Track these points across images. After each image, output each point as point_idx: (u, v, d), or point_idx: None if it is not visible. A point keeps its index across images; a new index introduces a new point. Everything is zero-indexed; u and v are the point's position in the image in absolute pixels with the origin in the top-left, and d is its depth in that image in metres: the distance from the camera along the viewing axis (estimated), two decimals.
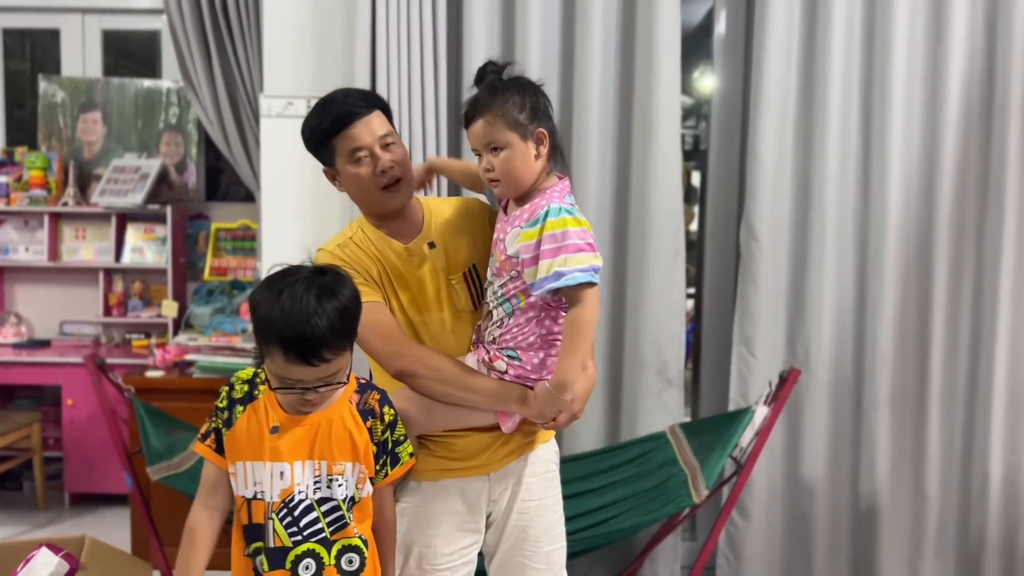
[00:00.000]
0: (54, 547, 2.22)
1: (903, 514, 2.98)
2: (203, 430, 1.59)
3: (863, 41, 2.87)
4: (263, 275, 3.00)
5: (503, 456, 1.80)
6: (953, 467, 2.98)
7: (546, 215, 1.58)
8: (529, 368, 1.68)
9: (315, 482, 1.54)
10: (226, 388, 1.58)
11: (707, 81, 4.40)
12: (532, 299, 1.64)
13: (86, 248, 4.10)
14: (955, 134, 2.85)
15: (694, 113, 5.32)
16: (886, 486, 2.94)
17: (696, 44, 4.03)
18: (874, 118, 2.88)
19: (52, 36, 4.24)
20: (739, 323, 2.95)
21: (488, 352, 1.71)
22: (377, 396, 1.60)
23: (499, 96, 1.60)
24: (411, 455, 1.64)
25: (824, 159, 2.87)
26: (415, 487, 1.77)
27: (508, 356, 1.69)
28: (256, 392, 1.56)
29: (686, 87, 5.08)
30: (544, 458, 1.87)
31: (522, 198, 1.66)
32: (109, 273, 4.09)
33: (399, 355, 1.68)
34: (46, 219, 4.01)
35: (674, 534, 2.86)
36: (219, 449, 1.57)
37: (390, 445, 1.60)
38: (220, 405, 1.57)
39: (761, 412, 2.51)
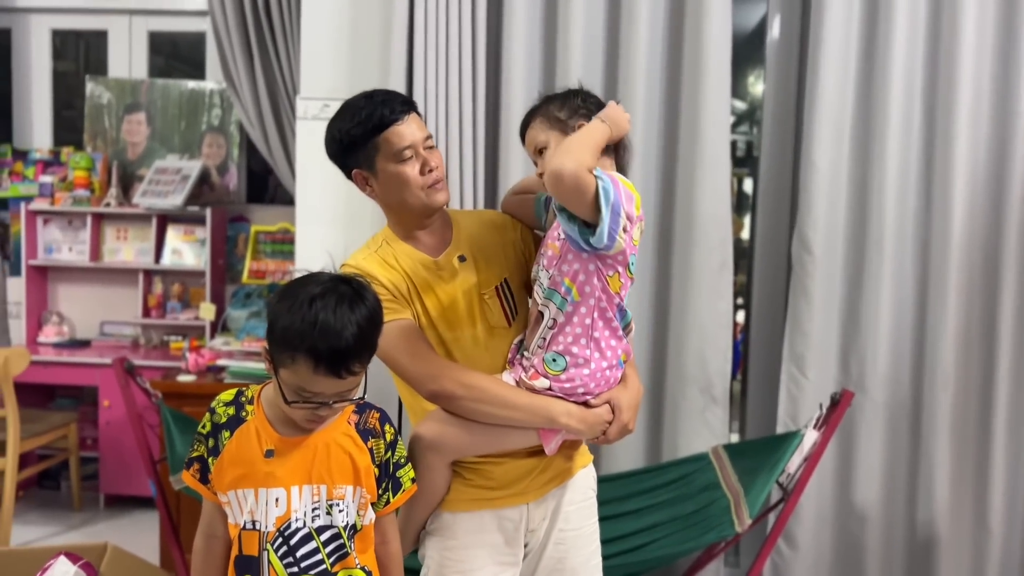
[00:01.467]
0: (73, 556, 2.18)
1: (963, 547, 2.79)
2: (187, 458, 1.51)
3: (927, 42, 2.71)
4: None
5: (543, 483, 1.70)
6: (1018, 498, 2.79)
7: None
8: (579, 384, 1.59)
9: (314, 508, 1.45)
10: (207, 415, 1.50)
11: (762, 86, 4.26)
12: (587, 287, 1.55)
13: (127, 249, 4.10)
14: None
15: (748, 118, 5.17)
16: (945, 517, 2.76)
17: (751, 48, 3.90)
18: (938, 123, 2.71)
19: (100, 37, 4.27)
20: (790, 340, 2.80)
21: (527, 370, 1.61)
22: (377, 415, 1.51)
23: (545, 103, 1.66)
24: (413, 480, 1.54)
25: (883, 167, 2.71)
26: (449, 520, 1.67)
27: (554, 366, 1.58)
28: (243, 414, 1.47)
29: (740, 91, 4.95)
30: (583, 484, 1.78)
31: None
32: (149, 274, 4.09)
33: (433, 376, 1.59)
34: (89, 219, 4.03)
35: (716, 560, 2.72)
36: (204, 479, 1.48)
37: (391, 468, 1.51)
38: (203, 432, 1.49)
39: (811, 437, 2.36)
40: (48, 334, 4.07)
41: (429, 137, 1.66)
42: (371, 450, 1.48)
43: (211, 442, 1.47)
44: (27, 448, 3.53)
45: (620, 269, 1.57)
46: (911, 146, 2.73)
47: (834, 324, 2.79)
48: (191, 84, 4.13)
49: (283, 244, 4.00)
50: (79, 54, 4.46)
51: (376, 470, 1.48)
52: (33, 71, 4.27)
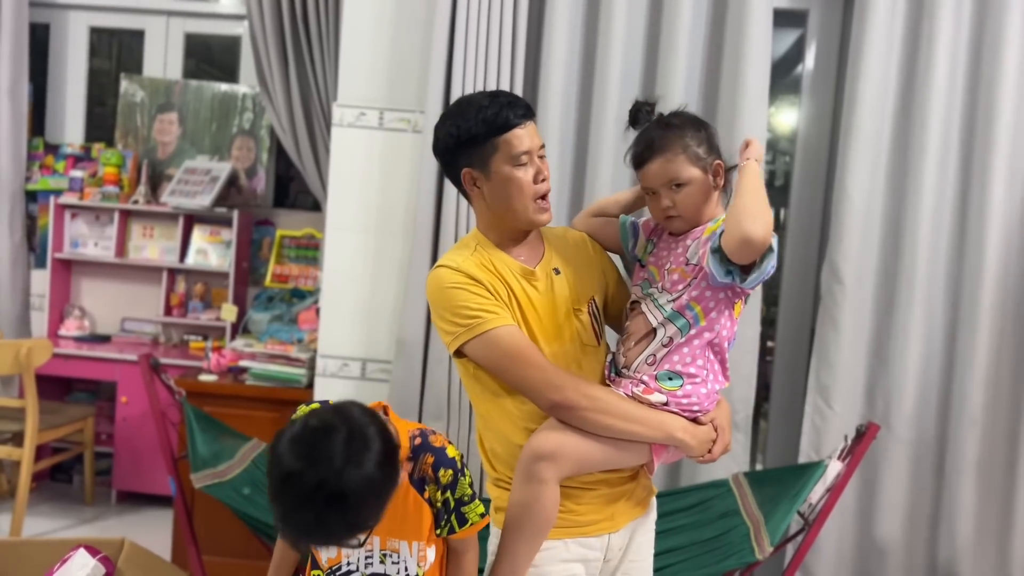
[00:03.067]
0: (92, 549, 2.18)
1: None
2: None
3: (967, 77, 2.70)
4: (323, 291, 2.90)
5: (628, 510, 1.68)
6: None
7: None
8: (694, 399, 1.59)
9: (366, 557, 1.42)
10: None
11: (784, 116, 4.26)
12: (713, 313, 1.56)
13: (152, 247, 4.13)
14: None
15: (771, 148, 5.17)
16: (967, 558, 2.72)
17: (778, 77, 3.89)
18: (975, 159, 2.70)
19: (137, 37, 4.31)
20: (816, 370, 2.78)
21: (639, 384, 1.60)
22: (431, 459, 1.43)
23: (676, 132, 1.61)
24: (482, 515, 1.46)
25: (918, 202, 2.69)
26: None
27: (668, 383, 1.58)
28: None
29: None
30: (653, 516, 1.78)
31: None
32: (173, 273, 4.11)
33: (556, 386, 1.52)
34: (116, 215, 4.05)
35: None
36: None
37: (452, 504, 1.43)
38: None
39: (834, 468, 2.34)
40: (69, 328, 4.09)
41: (543, 147, 1.63)
42: (428, 500, 1.42)
43: None
44: (43, 440, 3.54)
45: (744, 299, 1.62)
46: (947, 182, 2.72)
47: (861, 357, 2.77)
48: (224, 87, 4.16)
49: (307, 249, 4.02)
50: (113, 52, 4.50)
51: (433, 511, 1.43)
52: (69, 67, 4.32)
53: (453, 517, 1.43)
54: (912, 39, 2.71)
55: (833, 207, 2.76)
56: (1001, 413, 2.72)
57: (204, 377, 3.25)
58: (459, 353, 1.59)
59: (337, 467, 1.22)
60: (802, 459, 2.76)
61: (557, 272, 1.66)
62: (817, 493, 2.33)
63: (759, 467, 3.17)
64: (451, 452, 1.45)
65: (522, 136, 1.57)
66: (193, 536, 2.60)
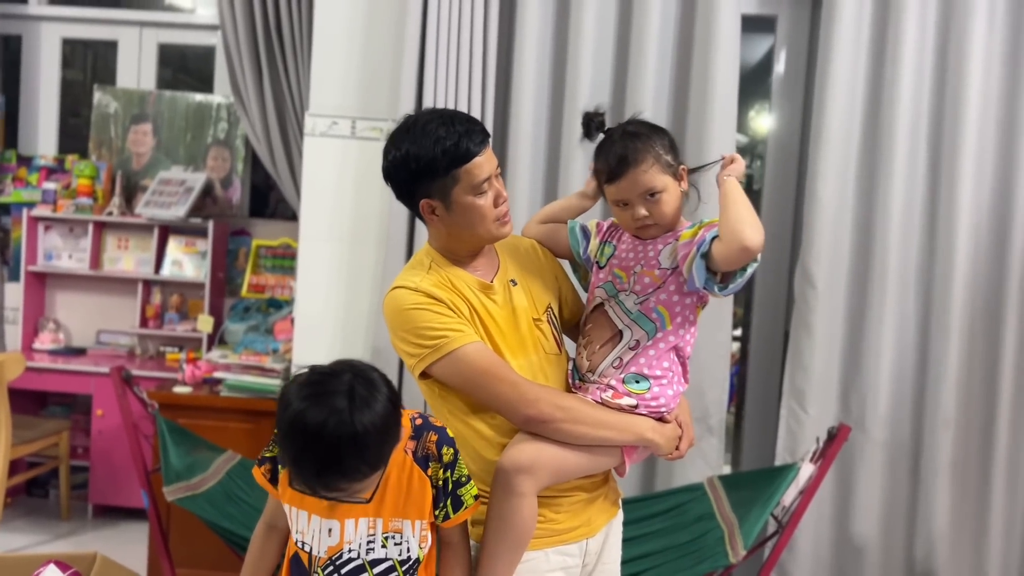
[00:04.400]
0: (62, 564, 2.16)
1: None
2: (260, 455, 1.48)
3: (933, 83, 2.74)
4: (298, 301, 2.90)
5: (603, 512, 1.69)
6: (1015, 542, 2.77)
7: (701, 220, 1.60)
8: (661, 400, 1.61)
9: (369, 541, 1.41)
10: None
11: (763, 120, 4.29)
12: (678, 318, 1.59)
13: (127, 258, 4.10)
14: None
15: (749, 152, 5.21)
16: (943, 558, 2.74)
17: (754, 83, 3.93)
18: (943, 163, 2.73)
19: (110, 47, 4.29)
20: (790, 374, 2.79)
21: (607, 389, 1.61)
22: (435, 437, 1.44)
23: (645, 142, 1.60)
24: (475, 498, 1.47)
25: (887, 205, 2.72)
26: None
27: (636, 386, 1.60)
28: None
29: (742, 126, 4.99)
30: (621, 519, 1.78)
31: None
32: (148, 284, 4.09)
33: (529, 400, 1.51)
34: (90, 227, 4.03)
35: None
36: (273, 479, 1.46)
37: (450, 486, 1.44)
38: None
39: (807, 470, 2.35)
40: (44, 341, 4.06)
41: (498, 166, 1.61)
42: (431, 477, 1.43)
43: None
44: (18, 455, 3.50)
45: (703, 305, 1.67)
46: (916, 186, 2.75)
47: (835, 360, 2.79)
48: (198, 97, 4.15)
49: (284, 259, 4.01)
50: (87, 63, 4.48)
51: (432, 491, 1.43)
52: (42, 78, 4.29)
53: (449, 501, 1.44)
54: (879, 44, 2.74)
55: (804, 212, 2.78)
56: (974, 413, 2.75)
57: (179, 389, 3.23)
58: (424, 374, 1.57)
59: (347, 405, 1.26)
60: (778, 462, 2.78)
61: (514, 283, 1.65)
62: (790, 495, 2.35)
63: (729, 468, 3.18)
64: (451, 432, 1.48)
65: (482, 164, 1.54)
66: (166, 549, 2.58)
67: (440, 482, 1.43)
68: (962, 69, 2.68)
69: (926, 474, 2.76)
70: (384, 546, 1.41)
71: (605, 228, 1.75)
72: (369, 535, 1.40)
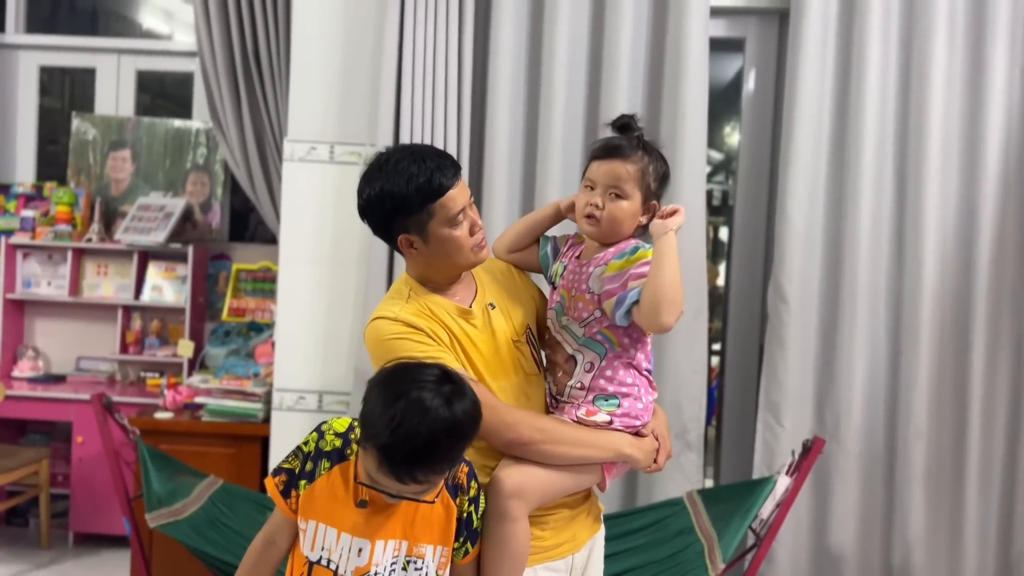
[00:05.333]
0: None
1: None
2: (277, 465, 1.47)
3: (897, 102, 2.81)
4: (278, 325, 2.93)
5: (587, 528, 1.72)
6: (990, 548, 2.83)
7: (635, 249, 1.60)
8: (633, 414, 1.65)
9: (392, 562, 1.42)
10: (315, 435, 1.45)
11: (737, 137, 4.38)
12: (625, 339, 1.63)
13: (107, 284, 4.10)
14: (993, 199, 2.77)
15: (723, 168, 5.29)
16: (919, 565, 2.78)
17: (728, 100, 4.01)
18: (909, 179, 2.80)
19: (88, 74, 4.30)
20: (766, 388, 2.84)
21: (581, 407, 1.64)
22: (466, 469, 1.48)
23: (646, 155, 1.64)
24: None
25: (856, 220, 2.79)
26: None
27: (606, 404, 1.63)
28: (348, 452, 1.43)
29: (717, 143, 5.07)
30: (603, 534, 1.81)
31: (598, 246, 1.68)
32: (128, 310, 4.08)
33: (509, 424, 1.55)
34: (69, 254, 4.02)
35: None
36: (287, 492, 1.45)
37: (474, 522, 1.48)
38: (304, 449, 1.45)
39: (783, 482, 2.39)
40: (23, 368, 4.04)
41: (471, 195, 1.64)
42: (457, 506, 1.46)
43: (309, 465, 1.43)
44: None
45: None
46: (883, 202, 2.81)
47: (809, 374, 2.84)
48: (177, 123, 4.17)
49: (264, 282, 4.02)
50: (65, 90, 4.49)
51: (456, 523, 1.46)
52: (19, 106, 4.29)
53: (469, 539, 1.48)
54: (844, 65, 2.81)
55: (776, 228, 2.84)
56: (945, 423, 2.80)
57: (160, 415, 3.23)
58: None
59: (449, 393, 1.32)
60: (755, 475, 2.82)
61: (492, 307, 1.68)
62: (767, 508, 2.38)
63: (710, 483, 3.22)
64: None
65: (455, 197, 1.57)
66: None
67: (464, 515, 1.47)
68: (925, 88, 2.75)
69: (900, 484, 2.81)
70: (405, 569, 1.43)
71: (568, 247, 1.77)
72: (394, 557, 1.42)
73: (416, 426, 1.28)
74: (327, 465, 1.43)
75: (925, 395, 2.78)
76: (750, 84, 3.11)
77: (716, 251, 4.91)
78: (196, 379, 3.37)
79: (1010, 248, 2.78)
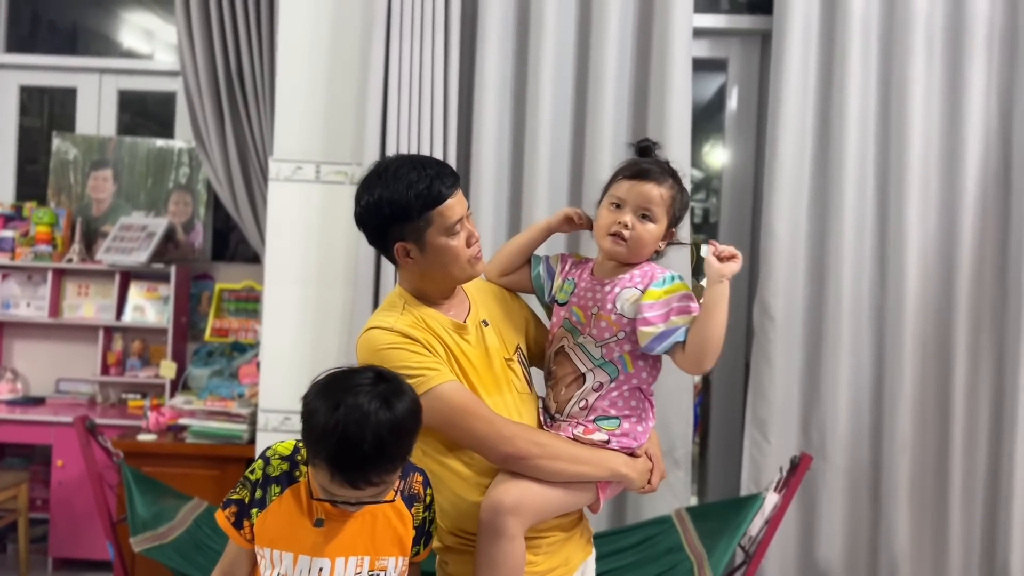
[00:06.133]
0: None
1: None
2: (226, 498, 1.46)
3: (878, 120, 2.85)
4: (263, 345, 2.91)
5: (579, 551, 1.71)
6: (974, 558, 2.85)
7: (672, 278, 1.63)
8: (632, 436, 1.66)
9: None
10: (261, 462, 1.45)
11: (717, 155, 4.41)
12: (640, 362, 1.64)
13: (88, 305, 4.05)
14: (972, 215, 2.81)
15: (704, 187, 5.33)
16: (906, 574, 2.80)
17: (707, 119, 4.05)
18: (890, 196, 2.83)
19: (69, 94, 4.28)
20: (752, 405, 2.86)
21: (579, 426, 1.64)
22: (420, 478, 1.49)
23: (674, 181, 1.66)
24: (435, 528, 1.55)
25: (839, 237, 2.82)
26: None
27: (606, 423, 1.64)
28: (297, 473, 1.43)
29: (696, 160, 5.11)
30: (594, 557, 1.81)
31: (614, 266, 1.69)
32: (109, 331, 4.04)
33: (507, 437, 1.54)
34: (49, 275, 3.98)
35: None
36: (239, 523, 1.44)
37: (428, 525, 1.49)
38: (251, 477, 1.44)
39: (771, 499, 2.40)
40: (1, 391, 3.98)
41: (469, 207, 1.64)
42: (413, 515, 1.47)
43: (258, 493, 1.43)
44: None
45: None
46: (865, 218, 2.85)
47: (795, 390, 2.86)
48: (159, 142, 4.15)
49: (247, 302, 3.99)
50: (45, 110, 4.46)
51: (413, 532, 1.47)
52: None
53: (423, 540, 1.50)
54: (825, 84, 2.85)
55: (760, 245, 2.86)
56: (929, 437, 2.83)
57: (143, 437, 3.20)
58: None
59: (384, 393, 1.32)
60: (743, 492, 2.82)
61: (486, 324, 1.68)
62: (756, 525, 2.39)
63: (701, 500, 3.22)
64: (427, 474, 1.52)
65: (454, 206, 1.57)
66: None
67: (420, 521, 1.47)
68: (904, 106, 2.80)
69: (886, 497, 2.83)
70: None
71: (568, 266, 1.78)
72: (356, 573, 1.41)
73: (360, 432, 1.27)
74: (277, 490, 1.42)
75: (909, 408, 2.81)
76: (733, 103, 3.15)
77: (698, 268, 4.93)
78: (179, 400, 3.34)
79: (989, 262, 2.82)
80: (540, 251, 1.85)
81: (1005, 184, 2.81)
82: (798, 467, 2.40)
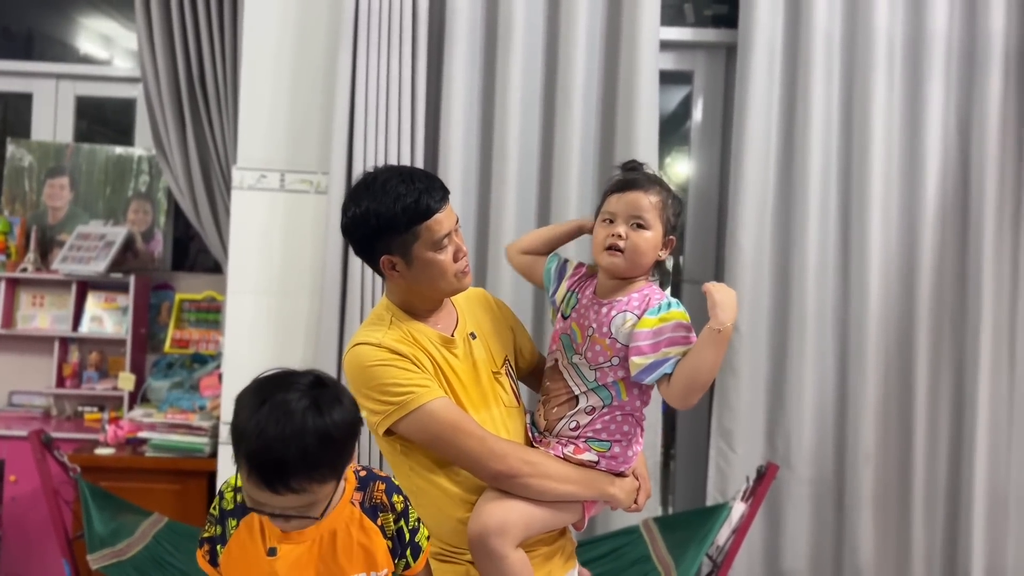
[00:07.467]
0: None
1: None
2: (199, 537, 1.43)
3: (840, 134, 2.89)
4: (226, 356, 2.86)
5: (562, 566, 1.70)
6: (936, 567, 2.88)
7: (668, 305, 1.61)
8: (622, 459, 1.66)
9: None
10: (217, 498, 1.41)
11: (679, 166, 4.45)
12: (635, 390, 1.63)
13: (42, 316, 3.95)
14: (932, 226, 2.86)
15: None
16: None
17: (672, 130, 4.07)
18: (853, 208, 2.87)
19: (24, 100, 4.18)
20: (718, 415, 2.87)
21: (569, 444, 1.63)
22: (383, 486, 1.40)
23: (664, 189, 1.66)
24: (427, 538, 1.45)
25: (804, 248, 2.85)
26: None
27: (597, 445, 1.63)
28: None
29: (661, 171, 5.17)
30: (576, 572, 1.79)
31: (615, 285, 1.67)
32: (65, 342, 3.94)
33: (497, 455, 1.53)
34: (2, 285, 3.87)
35: None
36: (213, 561, 1.40)
37: (407, 536, 1.41)
38: (214, 514, 1.41)
39: (738, 509, 2.41)
40: None
41: (458, 220, 1.62)
42: (381, 527, 1.39)
43: (218, 529, 1.39)
44: None
45: None
46: (829, 229, 2.89)
47: (760, 400, 2.88)
48: (118, 150, 4.07)
49: (208, 313, 3.92)
50: None
51: (389, 543, 1.39)
52: None
53: (408, 551, 1.42)
54: (789, 98, 2.89)
55: (726, 256, 2.88)
56: (892, 448, 2.87)
57: (101, 450, 3.12)
58: (388, 431, 1.56)
59: (316, 395, 1.25)
60: (709, 501, 2.84)
61: (473, 336, 1.67)
62: (723, 535, 2.40)
63: (670, 511, 3.23)
64: (396, 481, 1.45)
65: (441, 220, 1.55)
66: None
67: (393, 532, 1.40)
68: (866, 120, 2.84)
69: (850, 508, 2.86)
70: None
71: (579, 277, 1.76)
72: None
73: (280, 430, 1.21)
74: (234, 523, 1.38)
75: (872, 418, 2.84)
76: (698, 115, 3.18)
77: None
78: (138, 413, 3.26)
79: (949, 273, 2.87)
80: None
81: (963, 195, 2.87)
82: (764, 476, 2.42)
